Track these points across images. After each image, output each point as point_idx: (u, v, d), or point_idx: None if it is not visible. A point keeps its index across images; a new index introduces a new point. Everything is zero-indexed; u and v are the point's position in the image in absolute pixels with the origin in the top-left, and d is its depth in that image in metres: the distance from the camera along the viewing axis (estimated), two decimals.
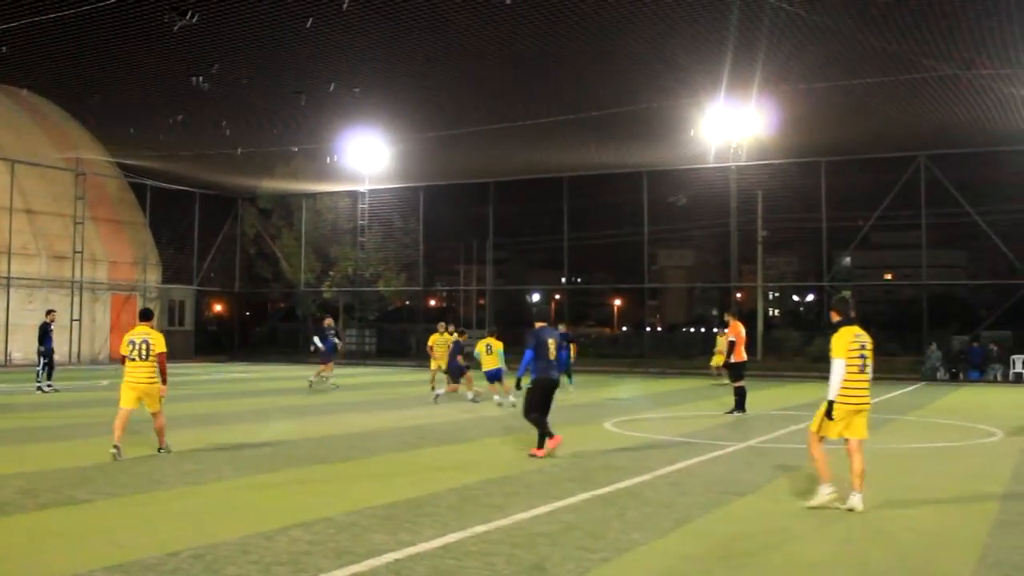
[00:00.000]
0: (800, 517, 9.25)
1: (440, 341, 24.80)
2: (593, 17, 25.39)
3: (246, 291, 54.28)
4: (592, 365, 42.17)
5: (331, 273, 50.43)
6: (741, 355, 20.19)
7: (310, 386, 26.58)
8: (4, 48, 29.55)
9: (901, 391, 29.30)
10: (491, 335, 22.37)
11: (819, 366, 38.99)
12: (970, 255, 67.60)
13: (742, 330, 20.64)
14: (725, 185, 40.90)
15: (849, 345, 9.43)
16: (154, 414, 12.82)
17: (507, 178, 45.10)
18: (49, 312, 26.33)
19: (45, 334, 25.11)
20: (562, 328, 29.39)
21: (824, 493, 9.49)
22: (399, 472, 11.90)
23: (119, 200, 46.04)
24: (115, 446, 12.37)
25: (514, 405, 20.76)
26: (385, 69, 31.46)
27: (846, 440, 9.58)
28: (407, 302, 56.16)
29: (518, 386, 13.57)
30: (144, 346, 12.62)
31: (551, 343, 12.92)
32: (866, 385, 9.53)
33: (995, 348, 36.32)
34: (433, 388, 24.09)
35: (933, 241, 41.50)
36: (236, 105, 34.76)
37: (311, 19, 25.59)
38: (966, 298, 60.15)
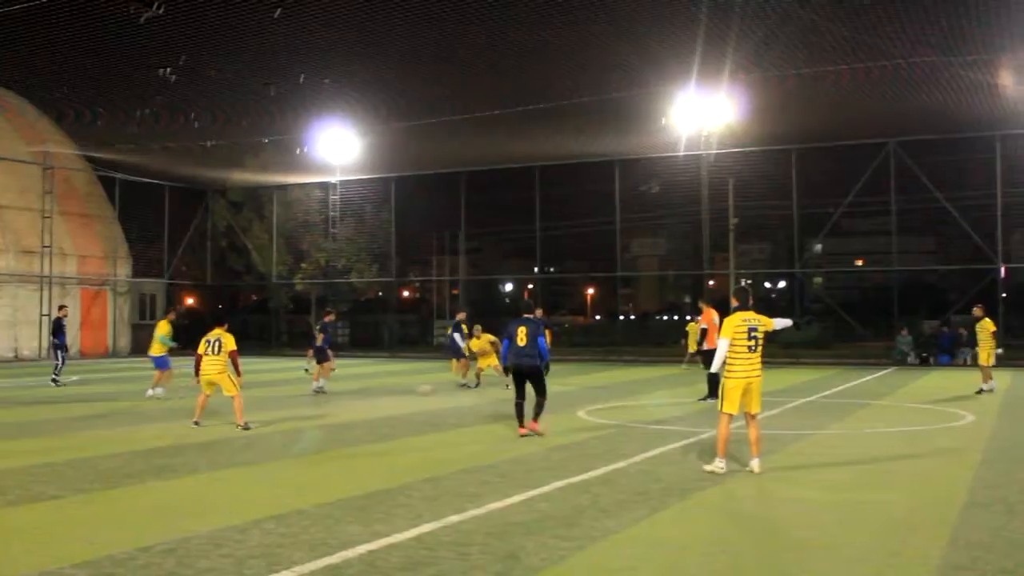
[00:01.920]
0: (775, 503, 9.30)
1: (480, 344, 24.33)
2: (564, 5, 25.32)
3: (218, 284, 53.91)
4: (566, 354, 42.21)
5: (303, 265, 50.16)
6: (714, 342, 20.21)
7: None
8: None
9: (872, 376, 29.53)
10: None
11: (791, 352, 39.30)
12: (940, 241, 68.06)
13: (715, 317, 20.67)
14: (696, 173, 40.90)
15: (735, 328, 10.94)
16: (233, 397, 15.36)
17: (479, 168, 44.95)
18: (61, 307, 26.77)
19: (59, 328, 25.27)
20: (539, 313, 29.41)
21: (717, 464, 10.97)
22: (373, 463, 11.86)
23: (88, 194, 45.56)
24: (195, 421, 15.51)
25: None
26: (356, 60, 31.26)
27: (745, 414, 11.11)
28: (380, 293, 55.99)
29: (506, 372, 14.63)
30: (217, 344, 15.57)
31: (520, 331, 13.93)
32: (755, 361, 10.99)
33: (965, 332, 36.53)
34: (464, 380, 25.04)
35: (903, 227, 41.71)
36: (204, 97, 34.45)
37: (279, 9, 25.37)
38: (936, 283, 60.59)
